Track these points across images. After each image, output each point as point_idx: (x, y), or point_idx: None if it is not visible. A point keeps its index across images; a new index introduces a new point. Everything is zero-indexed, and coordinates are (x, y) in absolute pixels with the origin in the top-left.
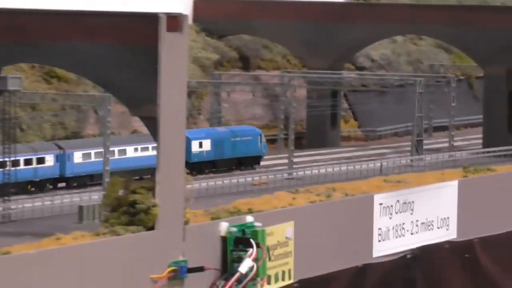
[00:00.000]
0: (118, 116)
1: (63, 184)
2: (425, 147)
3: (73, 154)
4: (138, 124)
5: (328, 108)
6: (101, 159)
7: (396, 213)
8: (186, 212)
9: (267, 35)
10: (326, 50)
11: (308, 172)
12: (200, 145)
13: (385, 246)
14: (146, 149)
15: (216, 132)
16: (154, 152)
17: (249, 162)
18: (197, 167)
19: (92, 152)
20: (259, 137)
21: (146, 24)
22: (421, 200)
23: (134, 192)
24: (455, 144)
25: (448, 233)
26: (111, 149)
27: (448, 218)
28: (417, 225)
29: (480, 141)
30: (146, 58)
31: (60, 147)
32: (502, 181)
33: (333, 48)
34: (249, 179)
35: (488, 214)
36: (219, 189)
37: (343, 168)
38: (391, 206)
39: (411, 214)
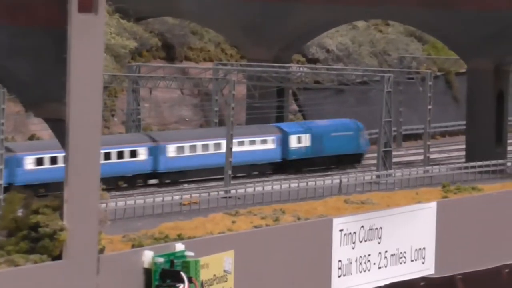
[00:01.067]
0: (12, 117)
1: (155, 181)
2: (394, 160)
3: (166, 147)
4: (38, 127)
5: (273, 110)
6: (196, 153)
7: (360, 241)
8: (101, 237)
9: (196, 17)
10: (270, 38)
11: (250, 190)
12: (299, 140)
13: (347, 283)
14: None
15: (316, 125)
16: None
17: (349, 160)
18: (294, 165)
19: (187, 145)
20: (360, 132)
21: (52, 2)
22: (390, 226)
23: (36, 212)
24: (432, 156)
25: (424, 267)
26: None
27: (424, 248)
28: (386, 257)
29: (463, 153)
30: (51, 44)
31: (153, 139)
32: (490, 203)
33: (279, 35)
34: (177, 197)
35: (474, 244)
36: (140, 209)
37: (294, 185)
38: (354, 233)
39: (379, 243)
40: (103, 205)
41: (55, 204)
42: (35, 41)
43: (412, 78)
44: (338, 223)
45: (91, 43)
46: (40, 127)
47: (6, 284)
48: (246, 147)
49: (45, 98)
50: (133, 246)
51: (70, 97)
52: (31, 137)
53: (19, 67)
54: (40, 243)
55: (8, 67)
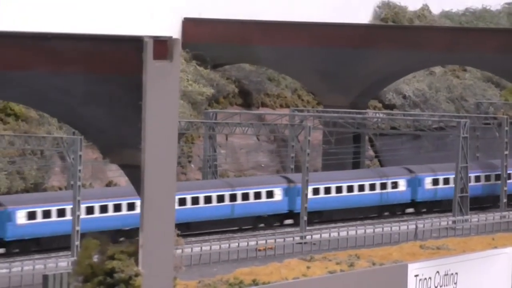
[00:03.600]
0: (90, 164)
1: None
2: (470, 205)
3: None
4: (115, 173)
5: (349, 156)
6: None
7: (436, 287)
8: (176, 283)
9: (273, 64)
10: (346, 84)
11: (325, 235)
12: None
13: None
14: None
15: None
16: None
17: None
18: None
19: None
20: None
21: (128, 50)
22: (466, 271)
23: (112, 257)
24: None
25: None
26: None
27: None
28: None
29: None
30: (127, 92)
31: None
32: None
33: (356, 81)
34: (252, 243)
35: None
36: (215, 255)
37: (369, 230)
38: (429, 278)
39: None
40: (179, 251)
41: (131, 250)
42: (111, 88)
43: (489, 124)
44: (413, 268)
45: (166, 90)
46: (118, 173)
47: None
48: None
49: (121, 144)
50: None
51: (145, 143)
52: (109, 184)
53: (96, 114)
54: None
55: (85, 114)
